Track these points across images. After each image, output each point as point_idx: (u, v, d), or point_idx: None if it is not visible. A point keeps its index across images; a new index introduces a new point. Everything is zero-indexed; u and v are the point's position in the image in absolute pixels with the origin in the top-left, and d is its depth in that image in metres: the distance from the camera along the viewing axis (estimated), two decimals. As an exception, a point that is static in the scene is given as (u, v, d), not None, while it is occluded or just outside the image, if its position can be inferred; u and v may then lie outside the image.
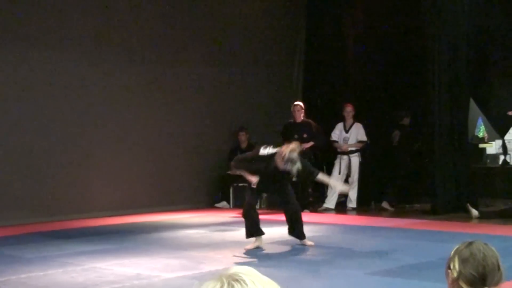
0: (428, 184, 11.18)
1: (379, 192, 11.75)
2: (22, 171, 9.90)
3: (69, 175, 10.33)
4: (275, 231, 8.93)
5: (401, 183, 11.44)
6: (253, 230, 7.63)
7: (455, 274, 2.38)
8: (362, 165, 11.45)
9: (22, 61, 9.96)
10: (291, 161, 7.25)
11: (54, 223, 9.73)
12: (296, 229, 7.76)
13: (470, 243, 2.43)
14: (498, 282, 2.37)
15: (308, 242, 7.75)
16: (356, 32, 12.73)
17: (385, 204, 11.35)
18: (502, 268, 2.39)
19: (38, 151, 10.06)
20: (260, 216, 10.57)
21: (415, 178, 11.63)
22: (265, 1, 12.77)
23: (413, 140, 11.66)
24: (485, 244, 2.44)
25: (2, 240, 8.33)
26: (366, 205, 11.52)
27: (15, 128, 9.87)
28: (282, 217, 10.44)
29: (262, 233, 7.66)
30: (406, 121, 11.63)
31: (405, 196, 11.54)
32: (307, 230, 8.95)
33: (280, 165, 7.29)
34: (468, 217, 9.82)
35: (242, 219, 10.30)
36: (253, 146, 12.19)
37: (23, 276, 6.15)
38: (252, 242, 7.60)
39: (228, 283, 1.46)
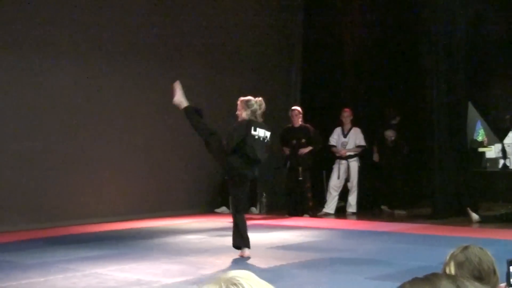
0: (428, 188, 11.19)
1: (380, 196, 11.79)
2: (22, 177, 9.91)
3: (68, 182, 10.34)
4: (275, 236, 8.95)
5: (399, 186, 11.45)
6: None
7: (451, 279, 2.39)
8: (361, 169, 11.46)
9: (31, 66, 10.00)
10: None
11: (54, 229, 9.74)
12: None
13: (466, 248, 2.43)
14: (494, 286, 2.38)
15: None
16: (353, 36, 12.76)
17: (384, 208, 11.40)
18: (497, 272, 2.40)
19: (39, 157, 10.07)
20: (260, 221, 10.62)
21: (413, 181, 11.64)
22: (262, 6, 12.80)
23: (405, 140, 11.60)
24: (481, 248, 2.44)
25: (2, 246, 8.33)
26: (366, 209, 11.52)
27: (16, 132, 9.88)
28: (283, 221, 10.50)
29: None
30: (397, 120, 11.58)
31: (404, 200, 11.54)
32: (307, 235, 8.98)
33: None
34: (468, 221, 9.83)
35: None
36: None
37: (23, 282, 6.15)
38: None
39: (226, 287, 1.47)
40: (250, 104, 7.38)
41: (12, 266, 6.96)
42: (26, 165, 9.95)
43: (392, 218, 10.82)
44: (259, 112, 7.42)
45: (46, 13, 10.14)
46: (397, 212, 11.24)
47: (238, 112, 7.42)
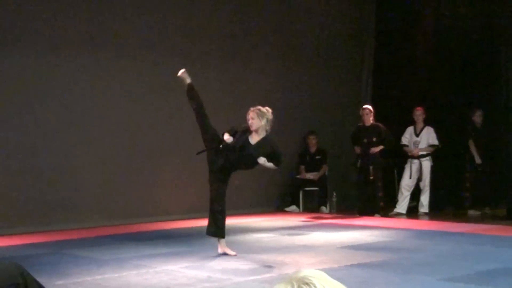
0: (505, 188, 10.92)
1: (455, 196, 11.59)
2: (97, 176, 10.15)
3: (142, 179, 10.54)
4: (345, 235, 8.89)
5: (476, 186, 11.24)
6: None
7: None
8: (433, 169, 11.27)
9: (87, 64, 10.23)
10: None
11: (128, 226, 9.94)
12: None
13: None
14: None
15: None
16: (425, 34, 12.55)
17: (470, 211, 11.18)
18: None
19: (112, 156, 10.29)
20: (330, 221, 10.58)
21: (491, 180, 11.38)
22: (334, 5, 12.72)
23: (485, 138, 11.33)
24: None
25: (78, 242, 8.56)
26: (439, 209, 11.33)
27: (89, 134, 10.12)
28: (353, 221, 10.43)
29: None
30: (479, 117, 11.30)
31: (481, 200, 11.30)
32: (378, 235, 8.88)
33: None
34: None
35: (313, 223, 10.35)
36: (323, 150, 12.18)
37: (98, 277, 6.30)
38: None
39: (298, 286, 1.46)
40: (266, 113, 7.31)
41: (87, 262, 7.13)
42: (100, 164, 10.18)
43: (465, 219, 10.61)
44: (269, 121, 7.35)
45: (120, 11, 10.37)
46: (471, 212, 11.04)
47: (253, 121, 7.26)
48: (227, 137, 7.26)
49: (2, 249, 8.12)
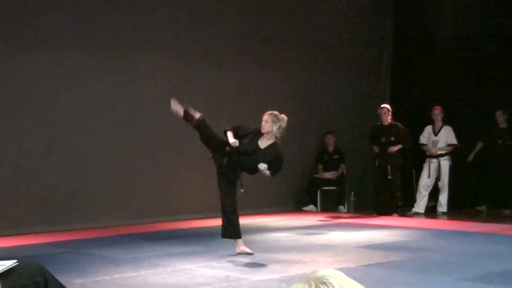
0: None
1: (474, 196, 11.53)
2: (115, 175, 10.19)
3: (159, 179, 10.57)
4: (363, 235, 8.86)
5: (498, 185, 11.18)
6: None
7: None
8: (452, 168, 11.21)
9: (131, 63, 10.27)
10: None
11: (145, 225, 9.98)
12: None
13: None
14: None
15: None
16: (445, 33, 12.47)
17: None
18: None
19: (129, 155, 10.33)
20: (347, 220, 10.56)
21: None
22: (353, 5, 12.69)
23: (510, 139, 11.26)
24: None
25: (96, 241, 8.61)
26: (458, 209, 11.27)
27: (109, 134, 10.17)
28: (371, 220, 10.40)
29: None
30: (500, 118, 11.24)
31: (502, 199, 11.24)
32: (396, 234, 8.85)
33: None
34: None
35: (330, 222, 10.33)
36: (341, 150, 12.16)
37: (116, 276, 6.33)
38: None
39: (316, 286, 1.46)
40: (280, 119, 7.26)
41: (105, 260, 7.17)
42: (117, 164, 10.22)
43: (485, 219, 10.54)
44: (282, 129, 7.29)
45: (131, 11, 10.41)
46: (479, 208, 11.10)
47: (266, 124, 7.23)
48: (232, 141, 7.24)
49: (21, 248, 8.19)
